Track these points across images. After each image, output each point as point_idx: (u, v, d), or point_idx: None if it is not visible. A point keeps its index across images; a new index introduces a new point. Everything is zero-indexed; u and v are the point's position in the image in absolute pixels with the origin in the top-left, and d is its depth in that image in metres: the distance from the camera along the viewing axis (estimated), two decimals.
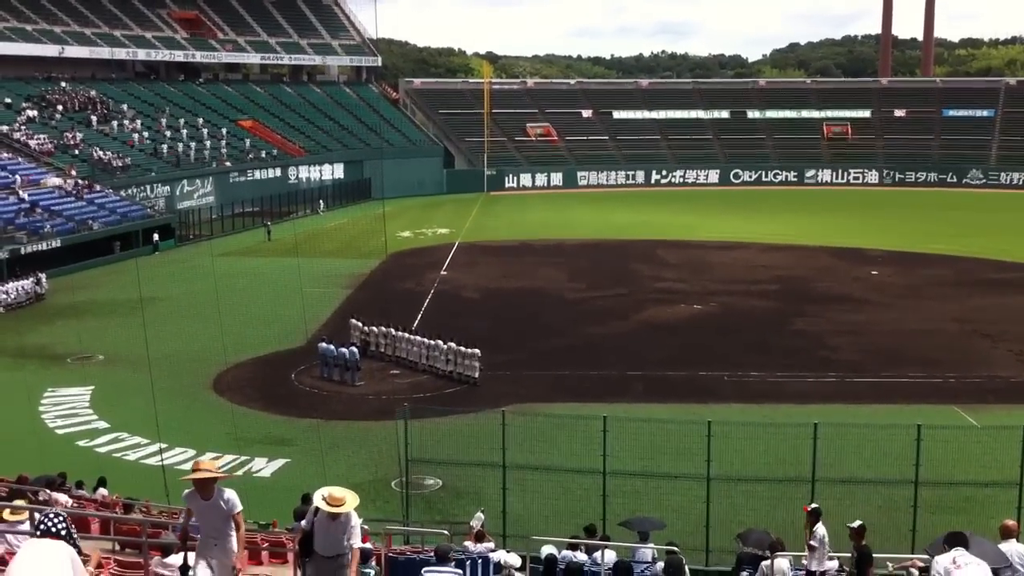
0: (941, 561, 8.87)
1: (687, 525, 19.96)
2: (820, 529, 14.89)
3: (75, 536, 7.00)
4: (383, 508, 22.63)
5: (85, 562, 7.35)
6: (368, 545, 10.15)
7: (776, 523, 19.72)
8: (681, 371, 33.92)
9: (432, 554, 14.00)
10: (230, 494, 9.06)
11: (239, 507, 9.12)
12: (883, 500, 22.12)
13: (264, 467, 25.58)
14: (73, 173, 62.00)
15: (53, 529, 6.79)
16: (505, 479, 21.17)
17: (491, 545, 16.70)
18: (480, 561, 15.02)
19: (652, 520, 18.13)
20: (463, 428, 26.47)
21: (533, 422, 25.56)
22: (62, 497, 16.21)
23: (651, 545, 16.82)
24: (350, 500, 9.56)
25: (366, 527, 16.96)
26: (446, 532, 17.79)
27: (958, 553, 8.93)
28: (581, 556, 16.00)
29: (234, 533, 9.13)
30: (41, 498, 15.52)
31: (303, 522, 10.27)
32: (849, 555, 14.68)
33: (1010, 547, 11.23)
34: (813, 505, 15.62)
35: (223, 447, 26.61)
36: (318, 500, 9.53)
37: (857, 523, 14.41)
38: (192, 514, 9.25)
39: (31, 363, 36.20)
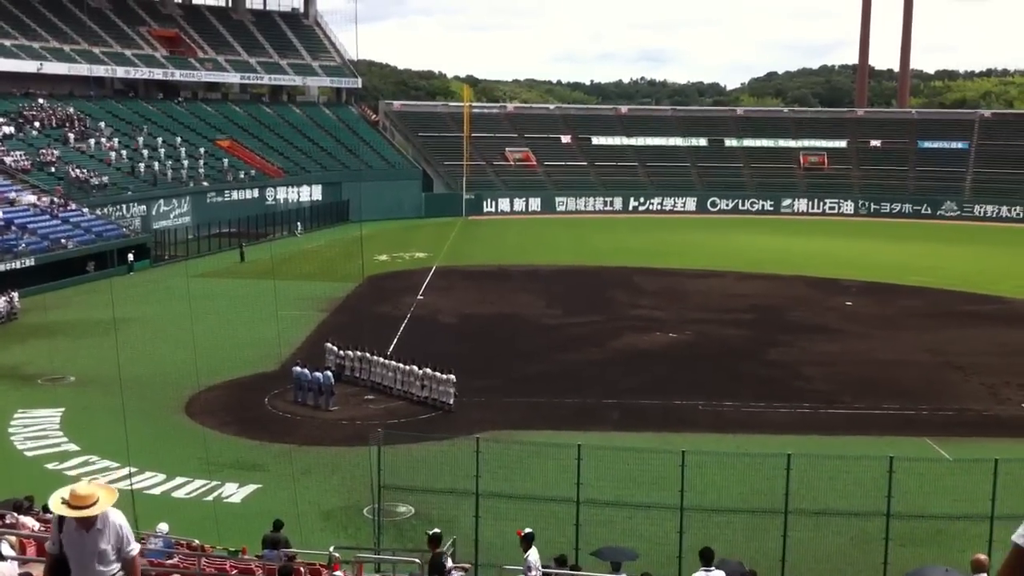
0: None
1: (660, 556, 19.89)
2: (532, 554, 15.09)
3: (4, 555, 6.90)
4: (355, 535, 22.50)
5: None
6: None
7: (749, 554, 19.73)
8: (656, 399, 33.92)
9: None
10: None
11: None
12: (856, 532, 22.20)
13: (235, 492, 25.35)
14: (59, 193, 61.71)
15: None
16: (478, 507, 21.06)
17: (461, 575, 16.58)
18: None
19: (624, 550, 18.06)
20: (437, 455, 26.42)
21: (507, 449, 25.45)
22: (29, 521, 16.00)
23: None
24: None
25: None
26: (417, 560, 17.65)
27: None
28: None
29: None
30: (8, 521, 15.31)
31: (48, 543, 7.95)
32: None
33: None
34: (527, 530, 15.69)
35: (194, 471, 26.39)
36: (56, 505, 7.17)
37: (433, 531, 15.14)
38: None
39: (1, 384, 35.82)
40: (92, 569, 7.30)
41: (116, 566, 7.41)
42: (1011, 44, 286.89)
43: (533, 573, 15.00)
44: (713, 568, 13.69)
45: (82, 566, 7.27)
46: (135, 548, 7.55)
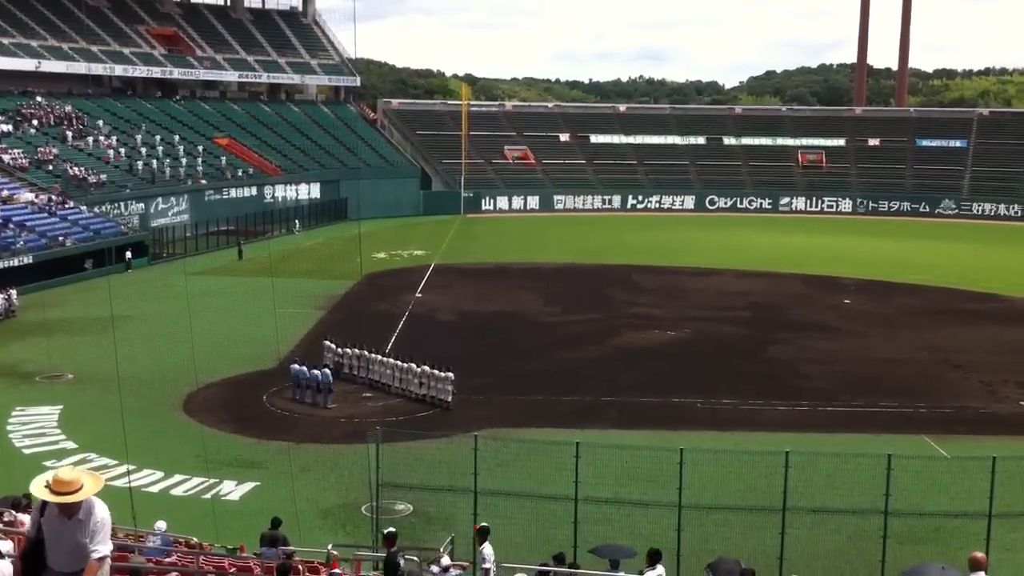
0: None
1: None
2: (487, 548, 15.25)
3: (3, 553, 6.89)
4: (353, 533, 22.49)
5: None
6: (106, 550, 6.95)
7: (747, 552, 19.73)
8: (654, 397, 33.93)
9: None
10: None
11: None
12: (853, 529, 22.20)
13: (233, 490, 25.32)
14: (57, 191, 61.70)
15: None
16: (476, 505, 21.05)
17: (459, 572, 16.60)
18: None
19: (622, 548, 18.06)
20: (435, 453, 26.43)
21: (506, 447, 25.44)
22: (28, 519, 15.98)
23: (621, 574, 16.77)
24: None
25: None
26: (416, 559, 17.67)
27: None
28: None
29: None
30: (6, 519, 15.29)
31: (27, 527, 7.69)
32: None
33: None
34: (482, 524, 15.91)
35: (192, 469, 26.35)
36: (38, 489, 6.78)
37: (388, 530, 15.62)
38: None
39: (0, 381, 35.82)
40: (66, 560, 6.82)
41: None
42: (1009, 43, 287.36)
43: (487, 565, 15.14)
44: (657, 567, 15.39)
45: (58, 554, 6.81)
46: (101, 551, 6.83)
